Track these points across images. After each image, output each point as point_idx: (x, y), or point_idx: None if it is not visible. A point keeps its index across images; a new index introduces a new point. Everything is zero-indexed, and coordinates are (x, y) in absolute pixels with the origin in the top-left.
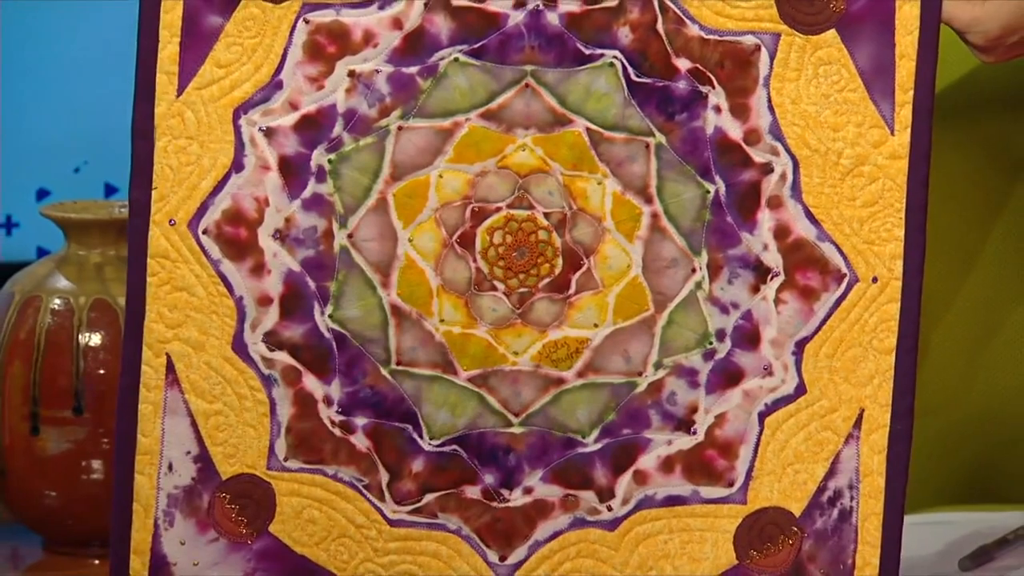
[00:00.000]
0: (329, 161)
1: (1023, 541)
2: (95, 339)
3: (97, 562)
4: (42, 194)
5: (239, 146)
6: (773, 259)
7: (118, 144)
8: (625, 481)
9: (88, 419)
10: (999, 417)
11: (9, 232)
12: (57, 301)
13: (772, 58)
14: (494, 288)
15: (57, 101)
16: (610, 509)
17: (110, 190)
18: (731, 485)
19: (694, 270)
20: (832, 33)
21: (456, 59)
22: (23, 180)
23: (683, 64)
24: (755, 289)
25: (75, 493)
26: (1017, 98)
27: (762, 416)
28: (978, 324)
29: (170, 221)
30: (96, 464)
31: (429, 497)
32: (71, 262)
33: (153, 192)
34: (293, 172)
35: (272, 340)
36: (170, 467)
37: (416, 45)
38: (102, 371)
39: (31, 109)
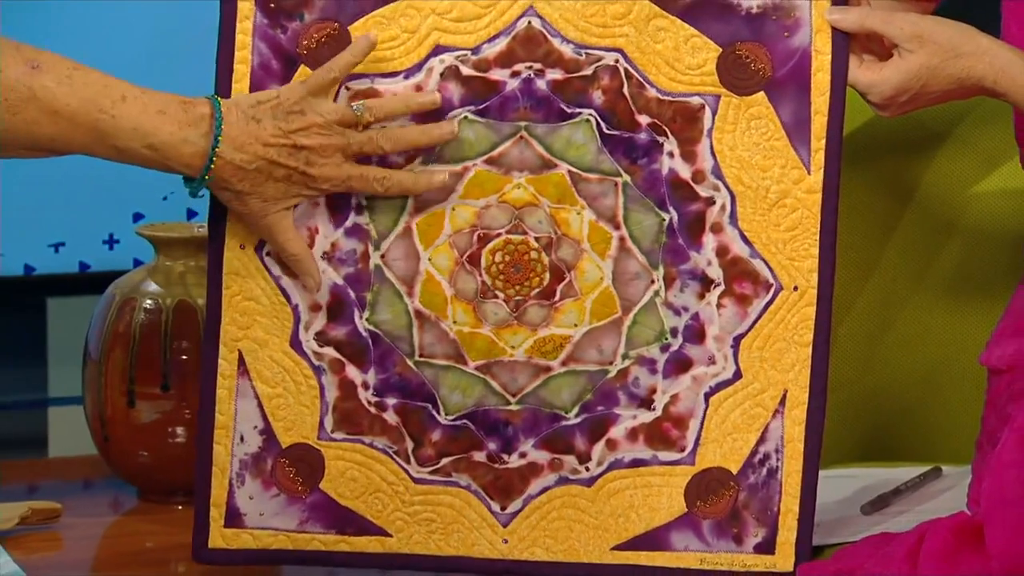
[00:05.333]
0: (366, 198)
1: (912, 491)
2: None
3: (181, 508)
4: (137, 217)
5: None
6: (715, 272)
7: None
8: (599, 447)
9: (174, 394)
10: (892, 393)
11: (111, 247)
12: (149, 302)
13: (714, 114)
14: (496, 296)
15: None
16: (587, 470)
17: (191, 214)
18: (683, 450)
19: (653, 281)
20: (761, 95)
21: (465, 117)
22: (123, 206)
23: (644, 119)
24: (701, 296)
25: (164, 453)
26: (907, 143)
27: (707, 396)
28: (875, 321)
29: (240, 246)
30: (180, 430)
31: (445, 460)
32: (160, 271)
33: (227, 224)
34: (337, 207)
35: (321, 338)
36: (241, 439)
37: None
38: (184, 357)
39: None
